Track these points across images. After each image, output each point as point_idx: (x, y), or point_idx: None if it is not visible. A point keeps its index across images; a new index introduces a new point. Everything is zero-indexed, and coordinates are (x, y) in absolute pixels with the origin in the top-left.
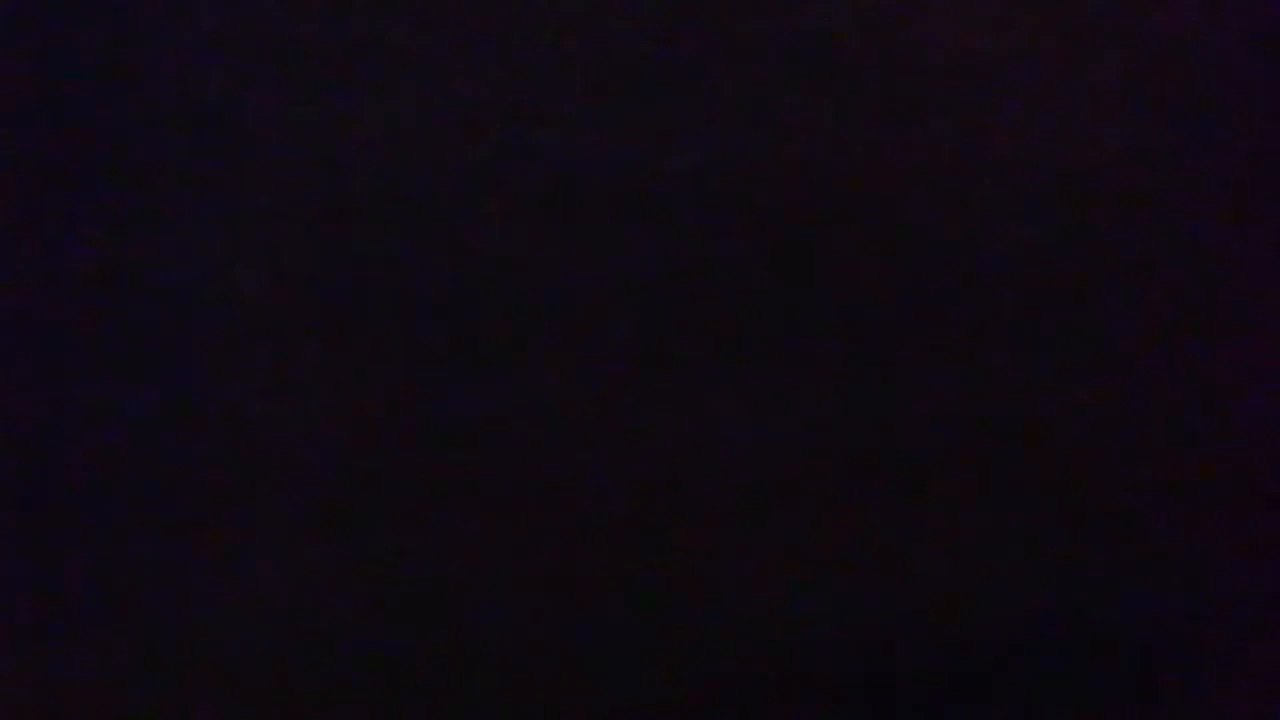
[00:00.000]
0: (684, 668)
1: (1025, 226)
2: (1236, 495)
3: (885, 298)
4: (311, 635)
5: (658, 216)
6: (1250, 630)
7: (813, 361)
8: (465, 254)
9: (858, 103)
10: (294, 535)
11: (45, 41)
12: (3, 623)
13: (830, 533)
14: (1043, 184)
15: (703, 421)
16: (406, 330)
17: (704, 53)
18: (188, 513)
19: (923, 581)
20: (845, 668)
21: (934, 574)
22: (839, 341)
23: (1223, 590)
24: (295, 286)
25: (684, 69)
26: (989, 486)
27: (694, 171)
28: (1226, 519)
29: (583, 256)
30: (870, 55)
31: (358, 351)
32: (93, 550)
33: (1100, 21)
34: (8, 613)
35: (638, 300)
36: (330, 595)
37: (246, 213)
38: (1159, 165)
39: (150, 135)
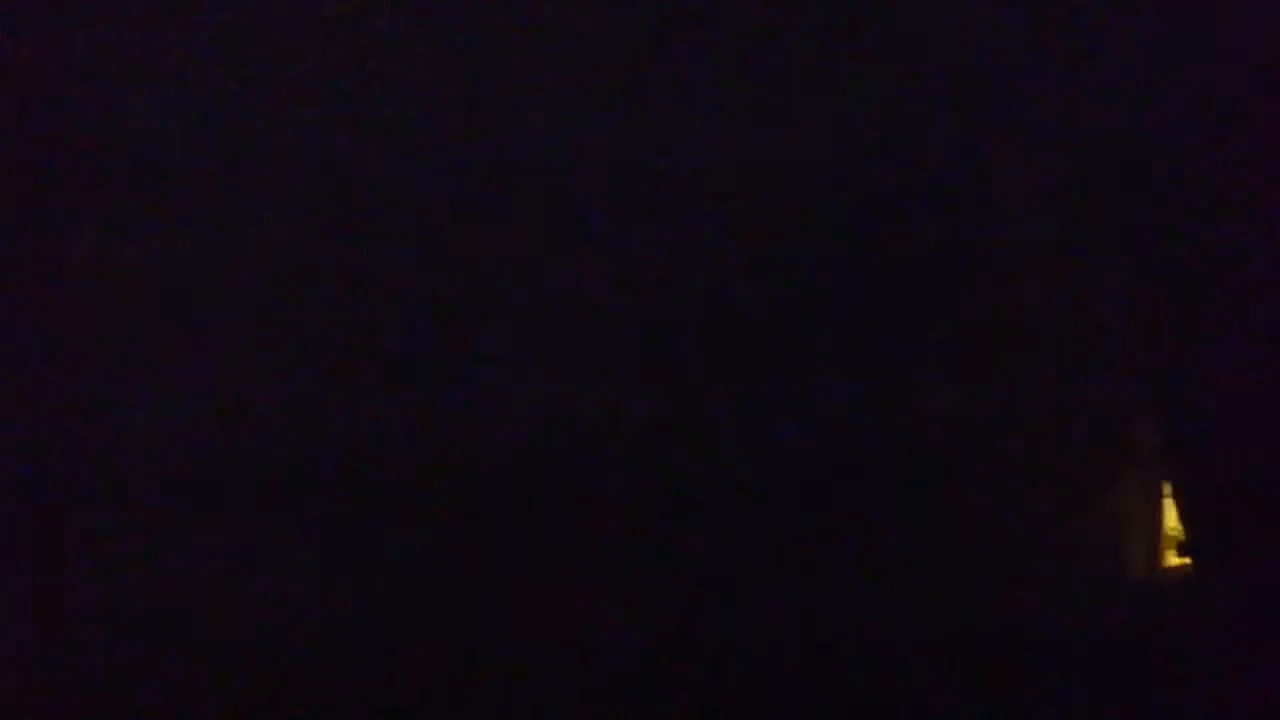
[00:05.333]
0: (684, 668)
1: (1025, 227)
2: (1236, 495)
3: (885, 297)
4: (311, 635)
5: (658, 217)
6: (1250, 630)
7: (812, 362)
8: (464, 254)
9: (859, 102)
10: (294, 534)
11: (45, 41)
12: (3, 623)
13: (830, 533)
14: (1043, 184)
15: (702, 422)
16: (406, 329)
17: (705, 53)
18: (187, 511)
19: (922, 582)
20: (846, 668)
21: (933, 574)
22: (838, 342)
23: (1222, 590)
24: (294, 286)
25: (686, 69)
26: (989, 487)
27: (694, 172)
28: (1225, 518)
29: (583, 257)
30: (871, 55)
31: (358, 351)
32: (93, 550)
33: (1100, 21)
34: (8, 613)
35: (637, 301)
36: (330, 594)
37: (246, 213)
38: (1160, 164)
39: (150, 135)
